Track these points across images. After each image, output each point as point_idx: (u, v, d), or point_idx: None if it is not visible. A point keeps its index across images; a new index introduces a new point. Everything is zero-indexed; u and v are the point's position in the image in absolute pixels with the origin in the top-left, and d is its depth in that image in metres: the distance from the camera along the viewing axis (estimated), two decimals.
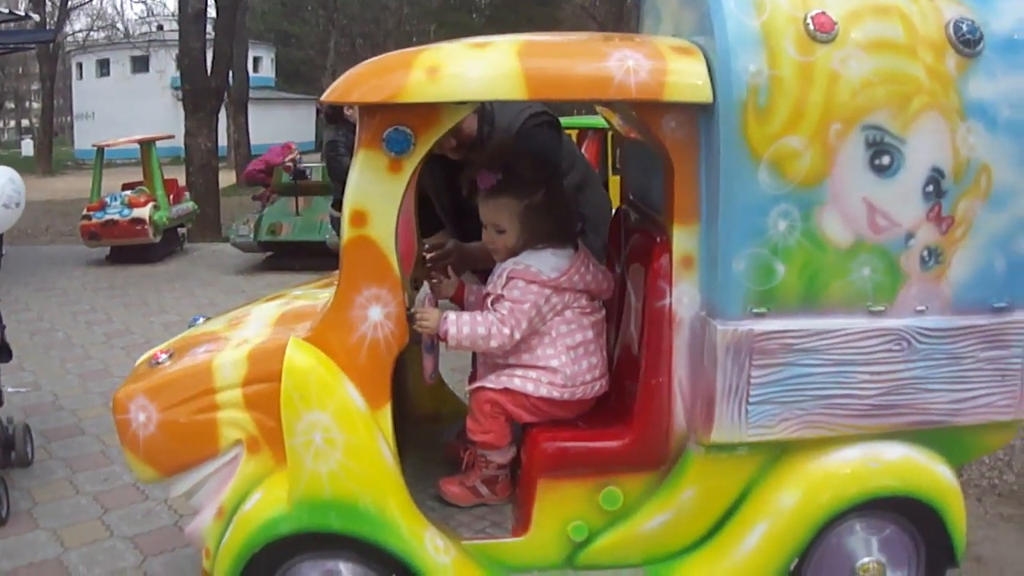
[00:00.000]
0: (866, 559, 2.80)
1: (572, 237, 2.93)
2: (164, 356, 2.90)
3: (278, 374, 2.63)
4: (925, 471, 2.74)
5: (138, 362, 3.02)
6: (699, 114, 2.54)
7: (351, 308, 2.64)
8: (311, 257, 9.75)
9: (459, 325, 2.77)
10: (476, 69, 2.49)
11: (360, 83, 2.53)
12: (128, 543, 3.89)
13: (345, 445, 2.61)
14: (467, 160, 3.26)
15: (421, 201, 3.42)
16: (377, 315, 2.64)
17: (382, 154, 2.56)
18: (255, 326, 2.95)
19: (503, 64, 2.49)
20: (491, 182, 2.93)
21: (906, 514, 2.78)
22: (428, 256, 3.28)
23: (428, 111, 2.53)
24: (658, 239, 2.70)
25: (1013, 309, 2.67)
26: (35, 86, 46.01)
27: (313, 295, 3.19)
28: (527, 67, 2.48)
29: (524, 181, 2.90)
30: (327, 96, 2.59)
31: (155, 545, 3.86)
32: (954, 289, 2.65)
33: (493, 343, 2.77)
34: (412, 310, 2.76)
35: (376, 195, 2.59)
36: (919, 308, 2.63)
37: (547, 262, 2.82)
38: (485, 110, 3.30)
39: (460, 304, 3.06)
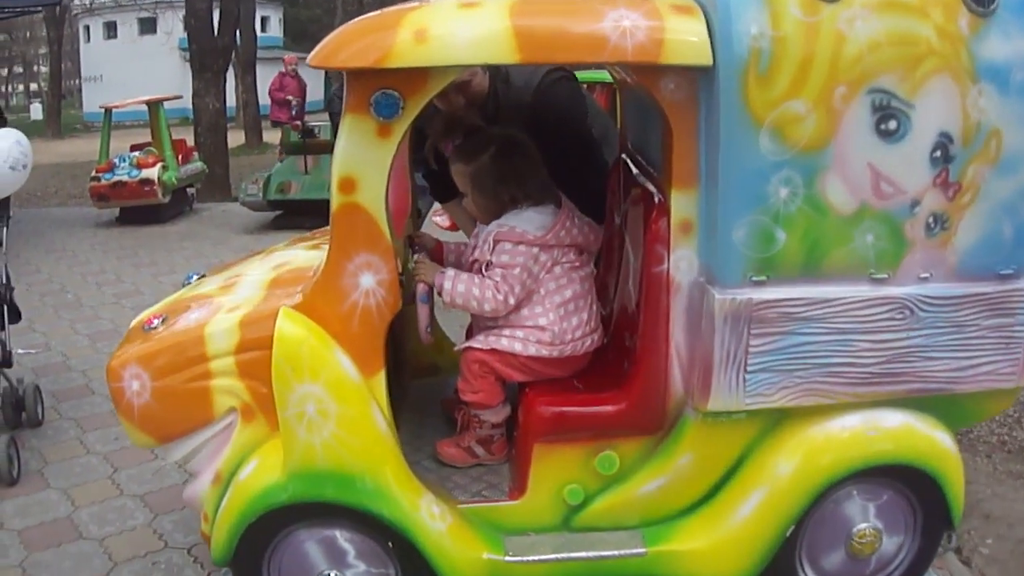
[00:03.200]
0: (863, 525, 2.79)
1: (553, 192, 2.87)
2: (157, 321, 2.87)
3: (270, 341, 2.61)
4: (924, 439, 2.71)
5: (131, 325, 2.99)
6: (698, 76, 2.45)
7: (342, 276, 2.60)
8: (320, 215, 9.54)
9: (455, 281, 2.76)
10: (465, 31, 2.39)
11: (345, 46, 2.43)
12: (138, 501, 3.91)
13: (338, 416, 2.59)
14: (429, 131, 3.17)
15: (440, 165, 3.36)
16: (369, 282, 2.59)
17: (370, 119, 2.48)
18: (247, 289, 2.91)
19: (494, 25, 2.39)
20: (449, 148, 2.91)
21: (904, 480, 2.76)
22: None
23: (416, 75, 2.44)
24: (656, 200, 2.63)
25: (1019, 276, 2.61)
26: (43, 50, 45.35)
27: (302, 255, 3.14)
28: (519, 28, 2.38)
29: (471, 144, 2.87)
30: (312, 59, 2.49)
31: (165, 503, 3.87)
32: (959, 256, 2.58)
33: (487, 307, 2.75)
34: (412, 260, 2.78)
35: (365, 161, 2.52)
36: (923, 275, 2.57)
37: (531, 220, 2.78)
38: (499, 68, 3.20)
39: (439, 263, 3.01)
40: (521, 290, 2.76)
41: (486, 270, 2.78)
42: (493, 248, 2.77)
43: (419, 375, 3.45)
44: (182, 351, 2.72)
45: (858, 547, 2.79)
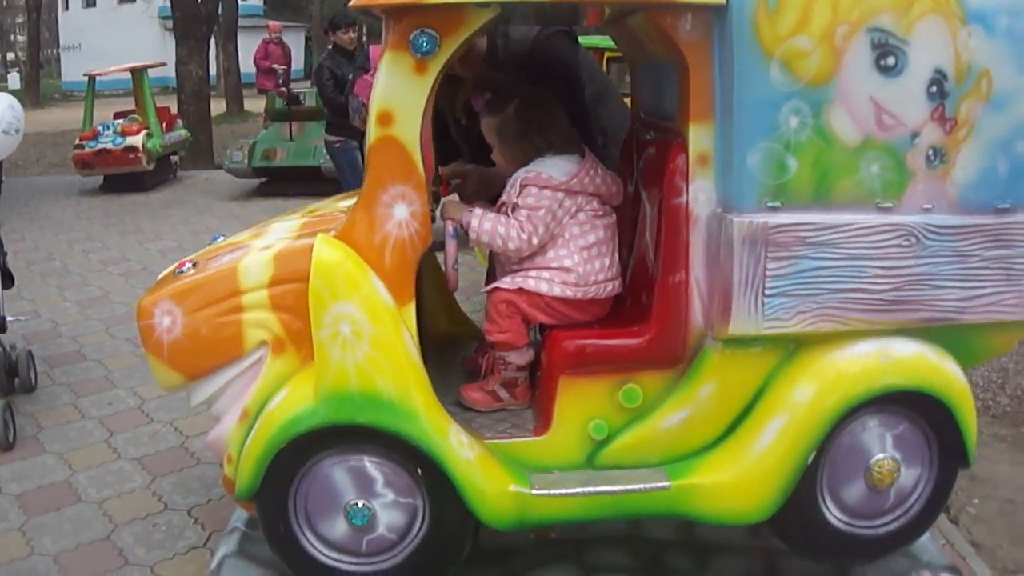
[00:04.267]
0: (881, 455, 2.85)
1: (577, 143, 3.03)
2: (189, 265, 2.95)
3: (304, 274, 2.69)
4: (936, 368, 2.81)
5: (162, 274, 3.07)
6: (713, 15, 2.66)
7: (377, 206, 2.71)
8: (305, 182, 9.74)
9: (482, 219, 2.87)
10: None
11: None
12: (136, 464, 3.93)
13: (372, 337, 2.65)
14: (459, 88, 3.36)
15: (439, 127, 3.53)
16: (403, 213, 2.70)
17: (408, 56, 2.64)
18: (279, 234, 3.01)
19: None
20: (480, 103, 3.08)
21: (919, 411, 2.84)
22: (447, 178, 3.37)
23: (453, 13, 2.62)
24: (674, 141, 2.79)
25: (1016, 210, 2.76)
26: (20, 19, 45.19)
27: (334, 208, 3.25)
28: None
29: (497, 98, 3.05)
30: (356, 1, 2.68)
31: (162, 466, 3.90)
32: (959, 189, 2.74)
33: (511, 245, 2.86)
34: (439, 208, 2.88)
35: (402, 96, 2.66)
36: (926, 206, 2.73)
37: (557, 167, 2.92)
38: (497, 26, 3.40)
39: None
40: (545, 231, 2.88)
41: (512, 212, 2.90)
42: (520, 192, 2.90)
43: (436, 342, 3.49)
44: (215, 286, 2.80)
45: (877, 478, 2.84)
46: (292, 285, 2.75)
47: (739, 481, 2.78)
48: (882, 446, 2.86)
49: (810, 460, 2.78)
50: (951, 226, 2.73)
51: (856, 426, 2.84)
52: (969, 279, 2.76)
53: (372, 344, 2.66)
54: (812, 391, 2.75)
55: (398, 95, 2.67)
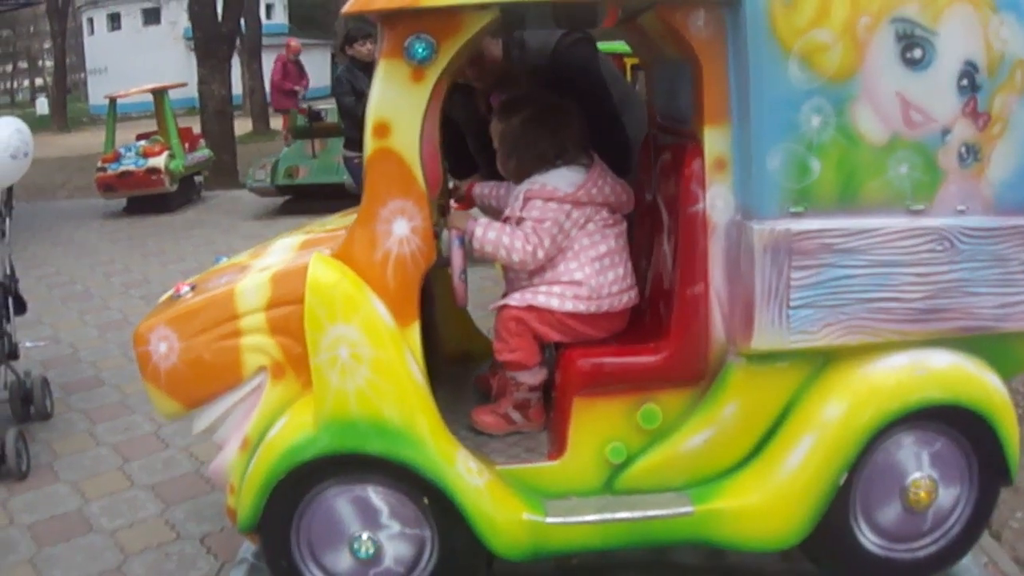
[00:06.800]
0: (917, 474, 2.67)
1: (585, 151, 2.88)
2: (186, 289, 2.84)
3: (303, 296, 2.56)
4: (974, 380, 2.63)
5: (161, 299, 2.95)
6: (726, 12, 2.50)
7: (376, 223, 2.58)
8: (329, 199, 9.62)
9: (487, 228, 2.74)
10: None
11: None
12: (149, 492, 3.85)
13: (372, 360, 2.52)
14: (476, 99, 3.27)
15: (456, 140, 3.42)
16: (403, 229, 2.57)
17: (404, 63, 2.51)
18: (278, 253, 2.89)
19: None
20: (497, 101, 3.02)
21: (957, 426, 2.66)
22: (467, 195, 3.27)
23: (450, 17, 2.49)
24: (689, 146, 2.64)
25: None
26: (47, 44, 45.72)
27: (336, 224, 3.12)
28: None
29: (507, 105, 2.93)
30: (348, 8, 2.55)
31: (176, 493, 3.81)
32: (995, 188, 2.57)
33: (515, 256, 2.72)
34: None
35: (399, 105, 2.53)
36: (960, 208, 2.56)
37: (563, 178, 2.78)
38: (512, 34, 3.27)
39: (469, 201, 3.16)
40: (551, 244, 2.73)
41: (517, 225, 2.76)
42: (524, 205, 2.76)
43: (449, 362, 3.37)
44: (211, 310, 2.68)
45: (914, 498, 2.66)
46: (290, 307, 2.61)
47: (767, 504, 2.61)
48: (918, 464, 2.68)
49: (842, 481, 2.61)
50: (987, 228, 2.55)
51: (891, 444, 2.66)
52: (1008, 284, 2.58)
53: (372, 368, 2.52)
54: (843, 408, 2.58)
55: (395, 105, 2.54)
